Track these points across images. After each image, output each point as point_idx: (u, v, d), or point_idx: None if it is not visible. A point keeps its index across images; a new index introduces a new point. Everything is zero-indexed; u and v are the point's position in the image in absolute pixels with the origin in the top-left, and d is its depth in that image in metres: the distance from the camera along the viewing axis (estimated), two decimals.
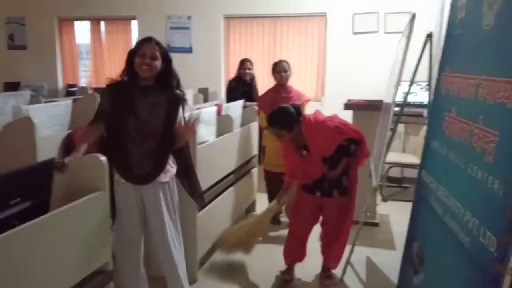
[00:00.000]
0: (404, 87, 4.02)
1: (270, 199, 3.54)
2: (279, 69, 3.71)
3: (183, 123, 2.27)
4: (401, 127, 5.07)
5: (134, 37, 6.98)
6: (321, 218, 2.85)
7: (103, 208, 1.90)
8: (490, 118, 1.41)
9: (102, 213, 1.90)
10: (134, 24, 6.95)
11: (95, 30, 7.23)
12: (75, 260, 1.73)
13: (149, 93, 2.19)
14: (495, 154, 1.33)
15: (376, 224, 3.84)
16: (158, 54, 2.16)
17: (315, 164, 2.61)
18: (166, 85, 2.23)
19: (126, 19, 6.98)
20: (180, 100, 2.28)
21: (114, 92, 2.21)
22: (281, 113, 2.66)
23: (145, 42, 2.19)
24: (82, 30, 7.35)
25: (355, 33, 5.74)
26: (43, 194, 1.76)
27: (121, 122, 2.15)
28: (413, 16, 2.43)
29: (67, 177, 1.84)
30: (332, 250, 2.83)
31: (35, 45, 7.21)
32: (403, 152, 5.09)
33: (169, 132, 2.20)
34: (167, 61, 2.22)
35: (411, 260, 2.09)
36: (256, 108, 4.00)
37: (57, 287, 1.62)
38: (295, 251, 2.87)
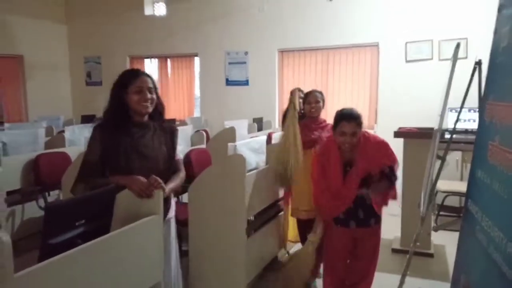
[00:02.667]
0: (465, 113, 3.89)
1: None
2: (310, 99, 3.20)
3: (181, 156, 2.18)
4: (458, 155, 4.84)
5: (197, 72, 7.39)
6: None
7: (157, 230, 2.02)
8: None
9: (156, 235, 2.02)
10: (196, 60, 7.37)
11: (162, 67, 7.75)
12: (130, 277, 1.85)
13: (147, 128, 2.08)
14: None
15: (431, 255, 3.66)
16: (152, 87, 2.06)
17: (353, 184, 2.41)
18: (160, 117, 2.14)
19: (190, 56, 7.42)
20: (176, 132, 2.20)
21: (107, 135, 2.01)
22: (355, 110, 2.50)
23: (138, 76, 2.04)
24: (150, 67, 7.91)
25: (408, 61, 5.65)
26: (105, 217, 1.93)
27: (127, 165, 2.00)
28: (458, 45, 2.39)
29: (127, 203, 1.99)
30: (366, 284, 2.61)
31: (109, 81, 7.78)
32: (461, 180, 4.84)
33: (172, 167, 2.13)
34: (156, 92, 2.11)
35: None
36: None
37: None
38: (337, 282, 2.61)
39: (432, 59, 5.48)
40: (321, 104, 3.22)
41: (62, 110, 7.62)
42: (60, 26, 8.01)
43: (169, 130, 2.18)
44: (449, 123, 4.29)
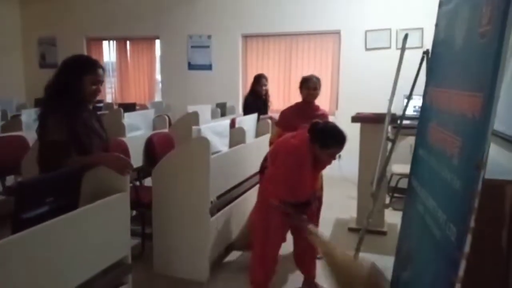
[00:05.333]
0: (415, 100, 4.18)
1: None
2: (309, 85, 3.39)
3: None
4: (411, 140, 5.21)
5: (158, 55, 7.42)
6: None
7: (124, 207, 2.18)
8: (457, 127, 1.62)
9: (123, 212, 2.17)
10: (157, 43, 7.39)
11: (121, 49, 7.71)
12: (99, 251, 2.00)
13: (91, 112, 2.35)
14: (459, 157, 1.54)
15: (384, 233, 3.99)
16: (103, 80, 2.29)
17: (317, 179, 2.75)
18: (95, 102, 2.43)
19: (150, 39, 7.42)
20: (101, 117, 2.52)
21: (69, 116, 2.17)
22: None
23: (96, 68, 2.24)
24: (108, 49, 7.84)
25: (368, 49, 5.97)
26: (73, 195, 2.05)
27: (89, 144, 2.22)
28: (405, 36, 2.66)
29: (95, 181, 2.12)
30: (313, 260, 2.90)
31: None
32: None
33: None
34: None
35: (401, 259, 2.28)
36: (270, 121, 4.23)
37: (83, 273, 1.89)
38: (270, 270, 2.78)
39: (390, 47, 5.82)
40: (318, 91, 3.43)
41: (14, 93, 7.43)
42: (13, 5, 7.77)
43: (97, 114, 2.49)
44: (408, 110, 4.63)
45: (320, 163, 2.62)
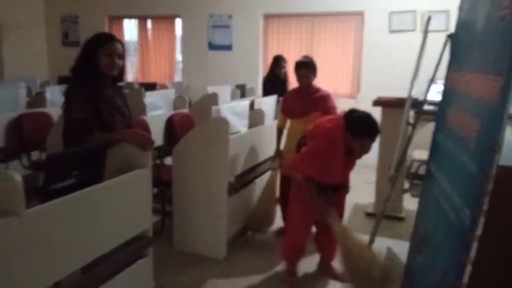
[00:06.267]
0: (440, 86, 4.13)
1: (284, 209, 3.44)
2: (300, 74, 3.36)
3: None
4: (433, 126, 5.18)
5: (178, 35, 7.49)
6: None
7: (146, 182, 2.29)
8: (475, 110, 1.65)
9: (145, 187, 2.29)
10: (178, 22, 7.45)
11: (142, 28, 7.81)
12: (121, 224, 2.12)
13: (113, 88, 2.40)
14: (476, 141, 1.58)
15: (402, 219, 4.03)
16: (121, 53, 2.34)
17: (349, 168, 2.81)
18: (118, 80, 2.45)
19: (171, 17, 7.49)
20: (125, 95, 2.57)
21: (91, 94, 2.25)
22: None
23: (110, 41, 2.30)
24: (129, 28, 7.95)
25: (391, 32, 5.91)
26: (98, 170, 2.17)
27: (111, 121, 2.31)
28: (429, 19, 2.65)
29: (119, 157, 2.23)
30: (332, 242, 2.87)
31: None
32: None
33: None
34: (124, 58, 2.39)
35: (416, 243, 2.34)
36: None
37: (107, 244, 2.01)
38: (301, 248, 2.91)
39: (415, 30, 5.75)
40: (311, 78, 3.36)
41: (37, 70, 7.65)
42: None
43: (122, 92, 2.55)
44: (431, 95, 4.60)
45: (353, 153, 2.64)
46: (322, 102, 3.35)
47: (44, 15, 8.09)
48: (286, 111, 3.50)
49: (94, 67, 2.27)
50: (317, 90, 3.43)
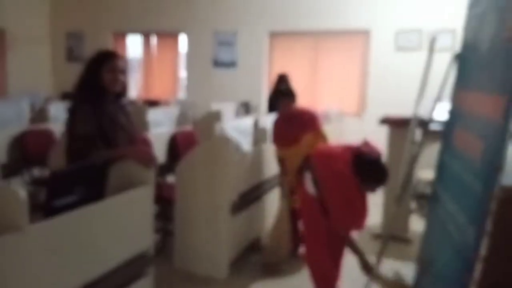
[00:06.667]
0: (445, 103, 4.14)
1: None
2: (283, 103, 3.34)
3: None
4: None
5: (183, 51, 7.58)
6: None
7: (148, 199, 2.30)
8: (480, 129, 1.66)
9: (147, 204, 2.29)
10: (181, 39, 7.54)
11: (147, 45, 7.90)
12: (122, 241, 2.12)
13: (117, 105, 2.42)
14: (480, 160, 1.58)
15: (408, 240, 3.98)
16: (124, 70, 2.37)
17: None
18: (121, 96, 2.47)
19: (175, 34, 7.58)
20: (129, 111, 2.56)
21: (95, 110, 2.28)
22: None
23: (113, 58, 2.34)
24: (134, 45, 8.06)
25: (397, 50, 5.96)
26: (99, 186, 2.18)
27: (114, 137, 2.32)
28: (433, 39, 2.68)
29: (121, 174, 2.24)
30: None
31: None
32: None
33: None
34: (126, 75, 2.41)
35: (422, 264, 2.32)
36: None
37: (107, 262, 2.01)
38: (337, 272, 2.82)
39: (420, 49, 5.80)
40: (292, 104, 3.33)
41: (41, 85, 7.75)
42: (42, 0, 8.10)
43: (125, 108, 2.55)
44: (437, 114, 4.61)
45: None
46: (311, 123, 3.32)
47: (50, 30, 8.24)
48: (278, 140, 3.44)
49: (97, 84, 2.31)
50: (302, 111, 3.40)
